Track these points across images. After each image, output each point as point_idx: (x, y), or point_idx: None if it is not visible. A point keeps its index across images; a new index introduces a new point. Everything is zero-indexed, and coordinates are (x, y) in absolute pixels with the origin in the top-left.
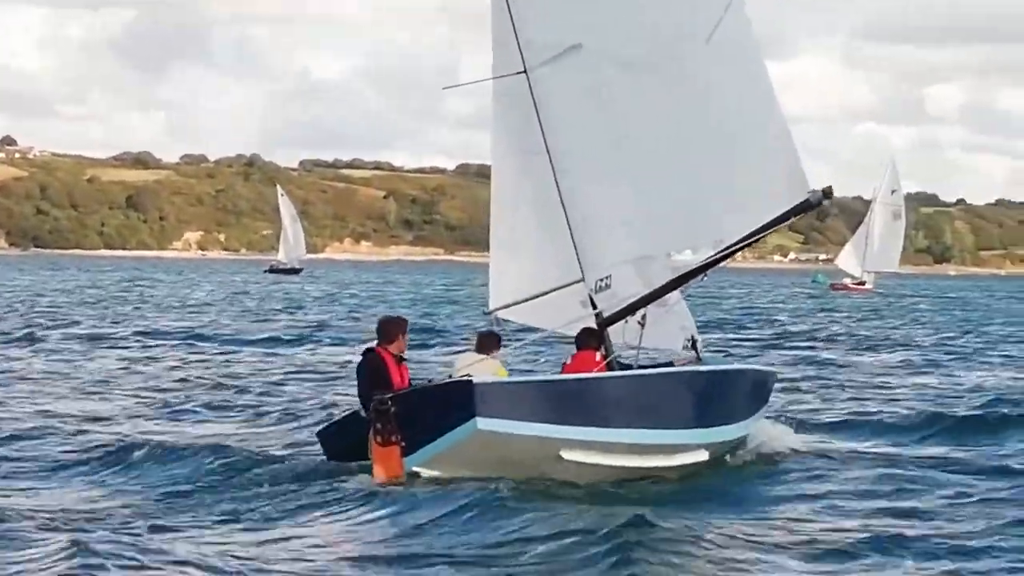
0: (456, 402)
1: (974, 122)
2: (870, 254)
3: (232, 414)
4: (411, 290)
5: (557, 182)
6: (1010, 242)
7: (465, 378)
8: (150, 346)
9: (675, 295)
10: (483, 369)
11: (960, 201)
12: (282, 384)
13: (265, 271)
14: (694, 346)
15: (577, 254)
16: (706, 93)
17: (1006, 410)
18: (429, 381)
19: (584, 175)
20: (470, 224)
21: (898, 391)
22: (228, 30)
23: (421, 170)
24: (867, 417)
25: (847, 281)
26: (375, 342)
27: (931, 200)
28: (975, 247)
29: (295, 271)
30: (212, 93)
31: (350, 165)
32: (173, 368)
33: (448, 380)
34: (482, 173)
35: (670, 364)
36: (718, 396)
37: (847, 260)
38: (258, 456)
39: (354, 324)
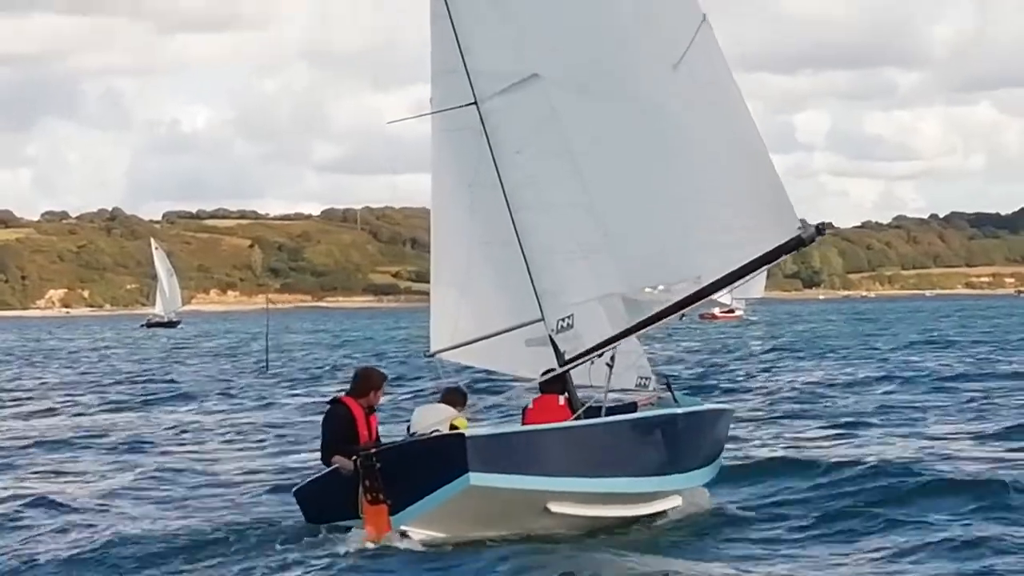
0: (447, 457)
1: (842, 147)
2: None
3: (195, 477)
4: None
5: (512, 216)
6: (877, 263)
7: (455, 432)
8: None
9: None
10: (441, 419)
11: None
12: (245, 443)
13: (142, 325)
14: (668, 386)
15: (536, 293)
16: (675, 122)
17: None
18: (411, 435)
19: (542, 209)
20: (336, 269)
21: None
22: (96, 84)
23: (286, 217)
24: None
25: (716, 310)
26: (345, 392)
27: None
28: (843, 270)
29: (172, 324)
30: (79, 148)
31: (214, 215)
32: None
33: (436, 434)
34: (347, 218)
35: (633, 405)
36: (701, 438)
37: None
38: (229, 522)
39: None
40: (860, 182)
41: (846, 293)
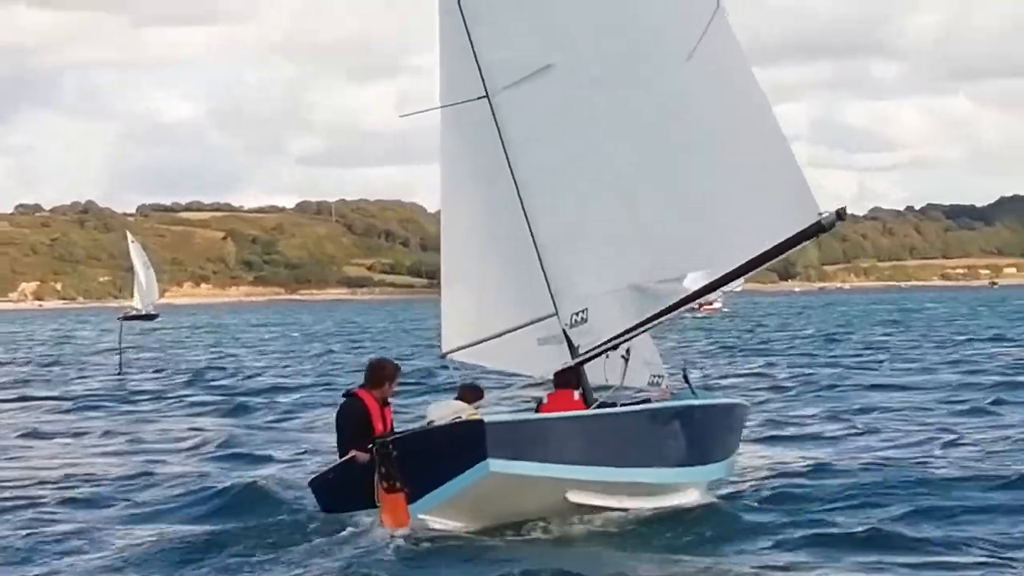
0: (466, 444)
1: (822, 139)
2: None
3: (206, 469)
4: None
5: (524, 210)
6: (853, 255)
7: (474, 418)
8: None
9: None
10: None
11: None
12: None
13: (119, 318)
14: (686, 379)
15: (548, 286)
16: (690, 112)
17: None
18: (429, 423)
19: (555, 200)
20: (310, 262)
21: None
22: (73, 78)
23: (260, 209)
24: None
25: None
26: (358, 384)
27: None
28: (819, 262)
29: (150, 317)
30: (54, 142)
31: (188, 208)
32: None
33: (454, 421)
34: (321, 210)
35: (647, 401)
36: (720, 431)
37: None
38: (245, 514)
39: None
40: (839, 173)
41: (822, 285)
